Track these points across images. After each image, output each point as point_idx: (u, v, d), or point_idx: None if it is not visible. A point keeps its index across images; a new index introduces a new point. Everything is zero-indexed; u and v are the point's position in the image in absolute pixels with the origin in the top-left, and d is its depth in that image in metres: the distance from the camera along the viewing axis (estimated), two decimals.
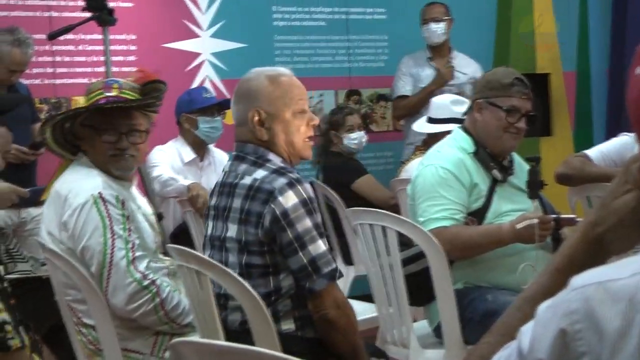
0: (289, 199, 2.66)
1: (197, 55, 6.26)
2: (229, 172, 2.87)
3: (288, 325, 2.72)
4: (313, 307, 2.71)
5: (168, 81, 5.78)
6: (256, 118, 2.78)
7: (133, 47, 6.02)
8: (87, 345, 3.04)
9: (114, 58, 5.78)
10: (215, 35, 6.33)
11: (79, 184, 3.08)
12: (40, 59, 5.58)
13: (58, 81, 5.70)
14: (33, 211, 4.66)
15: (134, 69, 5.91)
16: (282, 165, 2.78)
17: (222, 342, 1.63)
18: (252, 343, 2.54)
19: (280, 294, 2.70)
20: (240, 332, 2.69)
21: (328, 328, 2.70)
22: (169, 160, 5.00)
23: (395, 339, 3.45)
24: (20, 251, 3.66)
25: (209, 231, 2.87)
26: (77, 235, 3.01)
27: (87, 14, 4.43)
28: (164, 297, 2.98)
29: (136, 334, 3.03)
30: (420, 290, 3.34)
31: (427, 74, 6.22)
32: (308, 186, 2.73)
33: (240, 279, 2.60)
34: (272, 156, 2.80)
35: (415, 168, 3.66)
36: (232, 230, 2.75)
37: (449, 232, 3.32)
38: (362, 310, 3.78)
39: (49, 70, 5.70)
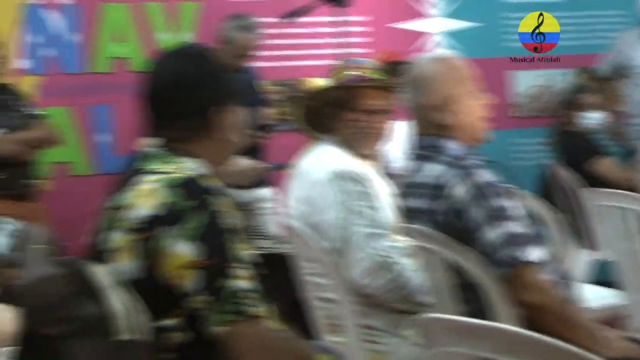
0: (460, 191, 2.62)
1: (429, 35, 6.24)
2: (408, 171, 2.87)
3: None
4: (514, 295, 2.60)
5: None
6: (439, 101, 2.76)
7: (368, 29, 6.07)
8: (326, 320, 3.09)
9: (349, 39, 5.87)
10: (447, 14, 6.29)
11: (322, 161, 3.15)
12: (272, 41, 5.73)
13: (289, 63, 5.84)
14: (261, 191, 4.78)
15: (368, 50, 6.00)
16: (459, 153, 2.74)
17: (474, 320, 1.60)
18: None
19: None
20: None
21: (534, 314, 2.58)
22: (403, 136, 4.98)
23: None
24: (261, 228, 3.78)
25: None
26: (318, 210, 3.08)
27: None
28: (400, 275, 2.98)
29: (376, 310, 3.05)
30: None
31: None
32: (482, 172, 2.65)
33: (479, 258, 2.57)
34: (450, 144, 2.76)
35: None
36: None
37: None
38: (603, 296, 3.66)
39: (281, 52, 5.84)
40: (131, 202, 2.09)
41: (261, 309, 2.05)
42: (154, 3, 5.64)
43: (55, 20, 5.41)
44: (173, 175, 2.10)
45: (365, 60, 3.29)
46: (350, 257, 3.00)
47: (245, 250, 2.08)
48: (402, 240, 3.09)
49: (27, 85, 5.06)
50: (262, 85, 5.56)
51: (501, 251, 2.55)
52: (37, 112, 4.75)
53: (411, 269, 2.99)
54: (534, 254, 2.56)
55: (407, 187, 2.86)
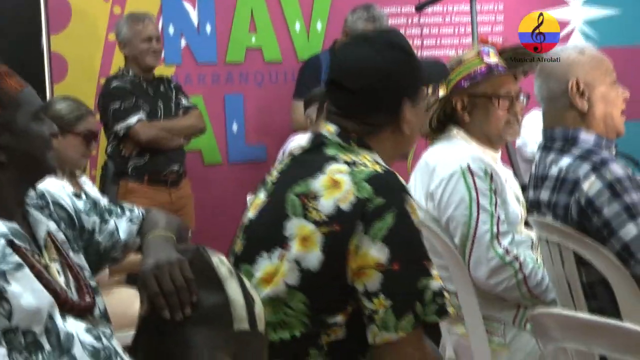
0: (593, 186, 2.54)
1: (566, 23, 6.09)
2: (538, 163, 2.80)
3: None
4: None
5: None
6: (575, 88, 2.69)
7: (500, 17, 5.98)
8: None
9: (481, 29, 5.80)
10: (586, 2, 6.12)
11: (448, 156, 3.10)
12: (408, 31, 5.71)
13: (425, 52, 5.79)
14: None
15: (500, 39, 5.90)
16: (591, 146, 2.66)
17: (587, 315, 1.55)
18: None
19: None
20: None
21: None
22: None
23: None
24: None
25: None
26: (443, 205, 3.04)
27: None
28: (527, 274, 2.93)
29: (498, 302, 3.01)
30: None
31: None
32: (616, 166, 2.56)
33: (607, 251, 2.49)
34: (583, 135, 2.68)
35: None
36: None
37: None
38: None
39: (417, 42, 5.81)
40: (316, 191, 2.05)
41: (452, 307, 2.03)
42: None
43: (191, 11, 5.51)
44: (360, 168, 2.04)
45: (492, 47, 3.21)
46: (476, 256, 2.96)
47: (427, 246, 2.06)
48: (529, 235, 3.05)
49: (166, 74, 5.18)
50: None
51: (638, 251, 2.47)
52: (188, 102, 4.94)
53: (537, 266, 2.93)
54: None
55: (536, 178, 2.81)
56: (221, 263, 1.97)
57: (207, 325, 1.89)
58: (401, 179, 2.06)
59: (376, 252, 1.96)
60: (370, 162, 2.08)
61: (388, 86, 2.12)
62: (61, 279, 1.95)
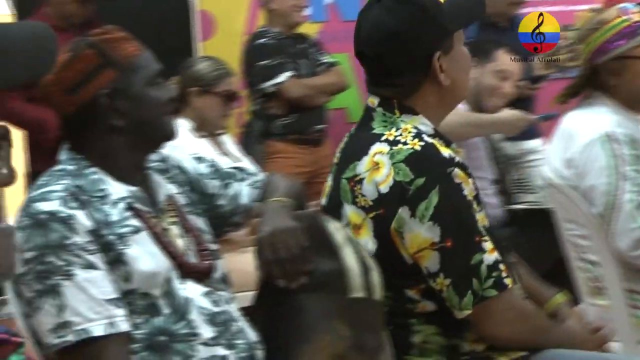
0: None
1: None
2: None
3: None
4: None
5: None
6: None
7: None
8: (589, 283, 2.94)
9: None
10: None
11: (589, 121, 2.95)
12: None
13: (563, 8, 5.56)
14: (529, 143, 4.63)
15: None
16: None
17: None
18: None
19: None
20: None
21: None
22: None
23: None
24: (530, 182, 3.66)
25: None
26: (583, 173, 2.90)
27: None
28: None
29: None
30: None
31: None
32: None
33: None
34: None
35: None
36: None
37: None
38: None
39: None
40: (361, 175, 2.03)
41: (510, 279, 1.98)
42: None
43: None
44: (399, 147, 1.99)
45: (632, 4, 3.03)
46: (619, 226, 2.81)
47: (484, 220, 2.00)
48: None
49: (308, 32, 5.15)
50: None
51: None
52: (329, 59, 4.91)
53: None
54: None
55: None
56: (337, 230, 1.96)
57: (322, 292, 1.89)
58: (444, 150, 2.00)
59: (428, 233, 1.94)
60: (412, 134, 2.02)
61: (406, 46, 2.05)
62: (181, 242, 1.97)
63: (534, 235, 3.48)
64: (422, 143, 2.00)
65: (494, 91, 3.86)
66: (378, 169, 2.00)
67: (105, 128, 1.91)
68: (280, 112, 4.69)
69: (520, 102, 4.65)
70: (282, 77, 4.63)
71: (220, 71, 3.77)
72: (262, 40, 4.75)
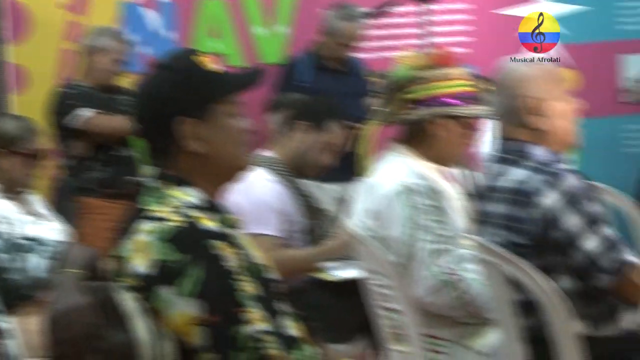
0: (551, 198, 2.50)
1: None
2: (487, 174, 2.75)
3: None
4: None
5: (500, 49, 5.74)
6: (528, 106, 2.65)
7: (469, 17, 5.93)
8: (391, 330, 3.04)
9: (450, 28, 5.77)
10: None
11: (391, 173, 3.07)
12: (374, 32, 5.66)
13: (391, 54, 5.72)
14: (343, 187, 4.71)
15: (470, 39, 5.87)
16: (545, 160, 2.61)
17: None
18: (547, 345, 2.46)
19: (563, 295, 2.52)
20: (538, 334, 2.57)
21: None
22: None
23: None
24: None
25: (477, 234, 2.77)
26: (384, 224, 3.01)
27: None
28: (467, 292, 2.91)
29: (441, 321, 2.99)
30: None
31: None
32: (571, 176, 2.54)
33: (540, 275, 2.47)
34: (536, 150, 2.64)
35: None
36: (496, 236, 2.64)
37: None
38: None
39: (382, 43, 5.76)
40: (128, 255, 1.99)
41: (279, 349, 1.97)
42: None
43: (153, 18, 5.48)
44: (165, 224, 1.97)
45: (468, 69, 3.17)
46: (415, 273, 2.94)
47: (253, 289, 1.99)
48: (470, 248, 3.02)
49: (125, 83, 5.14)
50: (369, 75, 5.51)
51: (604, 258, 2.48)
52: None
53: (476, 282, 2.90)
54: (630, 254, 2.51)
55: (487, 190, 2.77)
56: (128, 300, 1.95)
57: None
58: (207, 223, 1.99)
59: (191, 309, 1.91)
60: (176, 209, 2.00)
61: (152, 109, 2.05)
62: None
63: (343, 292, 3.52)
64: (184, 218, 1.98)
65: (318, 163, 3.81)
66: (141, 249, 1.96)
67: None
68: (87, 152, 4.62)
69: (350, 142, 4.74)
70: (88, 112, 4.60)
71: (26, 130, 3.70)
72: (70, 90, 4.72)
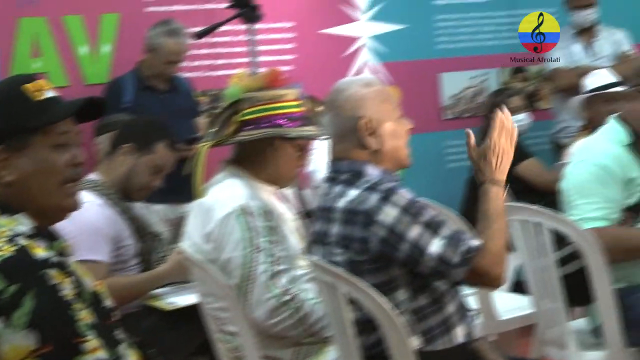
0: (389, 214, 2.55)
1: (355, 39, 6.18)
2: (323, 194, 2.77)
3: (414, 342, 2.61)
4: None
5: (326, 68, 5.84)
6: (364, 127, 2.68)
7: (290, 35, 6.00)
8: (229, 353, 3.03)
9: (272, 47, 5.81)
10: (373, 17, 6.22)
11: (225, 195, 3.06)
12: (200, 51, 5.64)
13: (217, 73, 5.74)
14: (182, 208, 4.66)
15: (291, 56, 5.93)
16: (377, 178, 2.66)
17: None
18: None
19: (400, 311, 2.58)
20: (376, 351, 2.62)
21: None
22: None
23: (554, 338, 3.33)
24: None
25: (315, 255, 2.78)
26: (220, 246, 3.00)
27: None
28: (305, 312, 2.94)
29: (277, 341, 3.01)
30: (580, 289, 3.19)
31: (577, 48, 5.96)
32: (403, 191, 2.60)
33: (376, 293, 2.52)
34: (369, 169, 2.68)
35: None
36: (335, 255, 2.67)
37: (607, 234, 3.19)
38: (519, 306, 3.62)
39: (209, 62, 5.75)
40: None
41: None
42: (72, 16, 5.50)
43: None
44: None
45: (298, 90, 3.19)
46: (255, 296, 2.94)
47: (89, 317, 1.95)
48: (307, 268, 3.04)
49: None
50: (198, 94, 5.48)
51: (454, 254, 2.52)
52: None
53: (314, 302, 2.93)
54: (474, 240, 2.56)
55: (321, 210, 2.78)
56: None
57: None
58: (38, 252, 1.93)
59: (25, 340, 1.84)
60: (5, 239, 1.92)
61: None
62: None
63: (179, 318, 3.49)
64: (14, 248, 1.91)
65: (145, 185, 3.76)
66: None
67: None
68: None
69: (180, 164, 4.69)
70: None
71: None
72: None
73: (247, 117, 3.09)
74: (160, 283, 3.56)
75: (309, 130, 3.14)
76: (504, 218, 2.62)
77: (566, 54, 5.91)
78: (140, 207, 3.89)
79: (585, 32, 5.99)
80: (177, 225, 4.85)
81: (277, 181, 3.17)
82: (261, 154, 3.12)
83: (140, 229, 3.75)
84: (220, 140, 3.12)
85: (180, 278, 3.50)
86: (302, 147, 3.17)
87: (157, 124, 3.95)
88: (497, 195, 2.64)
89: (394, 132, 2.72)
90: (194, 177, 3.11)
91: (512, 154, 2.69)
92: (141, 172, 3.72)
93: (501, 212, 2.62)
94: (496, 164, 2.66)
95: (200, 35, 4.62)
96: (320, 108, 3.08)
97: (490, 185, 2.64)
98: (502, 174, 2.66)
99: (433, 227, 2.55)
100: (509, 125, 2.70)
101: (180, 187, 4.63)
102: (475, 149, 2.70)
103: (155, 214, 4.64)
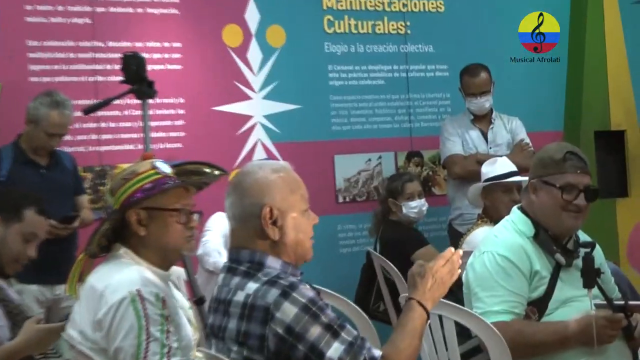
0: (288, 312, 2.44)
1: (248, 118, 6.02)
2: (221, 285, 2.64)
3: None
4: None
5: (218, 146, 5.66)
6: (268, 216, 2.57)
7: (181, 111, 5.80)
8: None
9: (162, 123, 5.60)
10: (267, 97, 6.09)
11: (117, 279, 2.82)
12: (84, 125, 5.41)
13: (103, 148, 5.49)
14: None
15: (182, 134, 5.72)
16: (278, 271, 2.55)
17: None
18: None
19: None
20: None
21: None
22: (224, 228, 4.69)
23: None
24: (55, 347, 3.38)
25: (212, 349, 2.64)
26: (111, 335, 2.76)
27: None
28: None
29: None
30: None
31: (473, 135, 5.91)
32: (304, 287, 2.50)
33: None
34: (270, 260, 2.58)
35: (475, 247, 3.47)
36: (232, 352, 2.53)
37: (510, 329, 3.14)
38: None
39: (94, 137, 5.51)
40: None
41: None
42: None
43: None
44: None
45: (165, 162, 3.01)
46: None
47: None
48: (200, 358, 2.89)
49: None
50: (81, 171, 5.23)
51: None
52: None
53: None
54: (375, 350, 2.48)
55: (218, 302, 2.64)
56: None
57: None
58: None
59: None
60: None
61: None
62: None
63: None
64: None
65: (18, 256, 3.56)
66: None
67: None
68: None
69: (58, 242, 4.53)
70: None
71: None
72: None
73: (119, 200, 2.93)
74: (17, 358, 3.27)
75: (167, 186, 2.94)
76: (419, 341, 2.58)
77: (463, 141, 5.86)
78: (12, 289, 3.63)
79: (482, 119, 5.95)
80: (51, 307, 4.62)
81: (162, 257, 2.95)
82: (137, 232, 2.91)
83: (13, 312, 3.50)
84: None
85: (40, 349, 3.31)
86: (180, 215, 2.94)
87: (26, 193, 3.81)
88: (420, 316, 2.59)
89: (298, 225, 2.63)
90: (70, 280, 2.94)
91: (447, 290, 2.67)
92: (12, 242, 3.56)
93: (417, 334, 2.57)
94: (430, 287, 2.61)
95: (88, 111, 4.37)
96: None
97: (417, 305, 2.60)
98: (432, 301, 2.63)
99: (333, 330, 2.46)
100: (455, 265, 2.67)
101: (55, 267, 4.41)
102: (420, 264, 2.67)
103: (29, 294, 4.53)
